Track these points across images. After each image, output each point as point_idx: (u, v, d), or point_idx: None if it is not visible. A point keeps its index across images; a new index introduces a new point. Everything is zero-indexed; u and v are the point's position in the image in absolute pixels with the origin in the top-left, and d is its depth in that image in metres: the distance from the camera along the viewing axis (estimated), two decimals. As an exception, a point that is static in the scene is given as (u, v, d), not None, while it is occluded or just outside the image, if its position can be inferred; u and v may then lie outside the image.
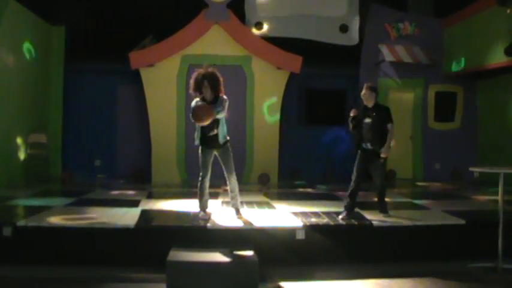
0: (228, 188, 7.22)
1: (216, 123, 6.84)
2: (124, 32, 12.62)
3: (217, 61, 11.86)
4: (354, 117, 7.36)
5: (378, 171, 7.33)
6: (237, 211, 7.22)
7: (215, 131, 6.88)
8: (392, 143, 7.26)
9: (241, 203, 7.56)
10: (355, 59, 13.27)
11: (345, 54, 13.08)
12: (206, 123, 6.69)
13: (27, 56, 11.41)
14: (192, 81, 6.92)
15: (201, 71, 6.89)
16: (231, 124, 11.19)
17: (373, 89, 7.30)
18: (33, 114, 11.83)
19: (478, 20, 12.06)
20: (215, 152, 7.02)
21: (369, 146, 7.26)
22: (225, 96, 6.94)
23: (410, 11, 13.95)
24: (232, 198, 7.21)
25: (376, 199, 7.59)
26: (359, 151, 7.38)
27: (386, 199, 7.36)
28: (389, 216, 7.30)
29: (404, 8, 14.04)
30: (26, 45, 11.36)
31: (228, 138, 7.03)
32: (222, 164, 7.09)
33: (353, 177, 7.34)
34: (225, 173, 7.09)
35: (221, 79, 6.93)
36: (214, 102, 6.81)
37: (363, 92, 7.32)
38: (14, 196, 8.93)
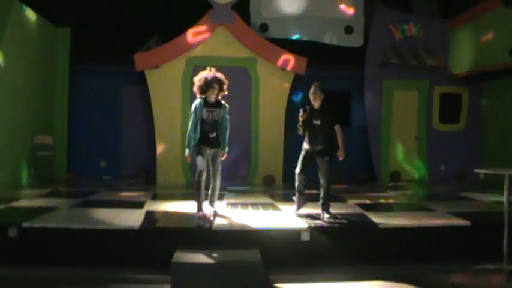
0: (211, 185, 7.49)
1: (216, 125, 7.25)
2: (129, 33, 12.66)
3: (222, 63, 11.89)
4: (303, 121, 7.29)
5: (325, 170, 7.27)
6: (212, 204, 7.54)
7: (214, 134, 7.25)
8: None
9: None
10: (360, 61, 13.26)
11: (350, 55, 13.08)
12: None
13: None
14: (200, 82, 7.10)
15: (216, 74, 7.23)
16: (235, 125, 11.27)
17: (322, 89, 7.32)
18: (38, 115, 11.86)
19: (483, 21, 12.04)
20: (209, 151, 7.30)
21: (317, 148, 7.27)
22: (224, 102, 7.38)
23: (416, 12, 13.94)
24: (212, 195, 7.53)
25: (321, 200, 7.39)
26: (304, 152, 7.42)
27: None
28: (331, 216, 7.22)
29: (410, 9, 14.03)
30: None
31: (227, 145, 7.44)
32: (210, 162, 7.36)
33: (301, 176, 7.41)
34: (211, 171, 7.39)
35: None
36: (217, 106, 7.23)
37: (313, 90, 7.32)
38: (20, 197, 8.96)
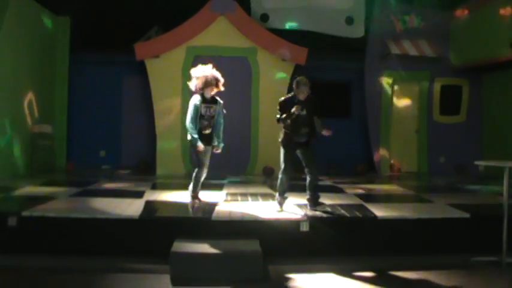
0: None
1: (212, 121, 7.43)
2: (129, 22, 12.61)
3: (223, 53, 11.86)
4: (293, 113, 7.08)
5: (312, 160, 7.26)
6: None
7: (209, 130, 7.44)
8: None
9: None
10: (361, 52, 13.23)
11: (351, 46, 13.04)
12: None
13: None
14: (200, 81, 7.31)
15: (214, 73, 7.41)
16: (235, 115, 11.29)
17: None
18: (38, 104, 11.84)
19: (484, 13, 11.99)
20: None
21: (302, 139, 7.20)
22: (218, 98, 7.57)
23: (417, 3, 13.87)
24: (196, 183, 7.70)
25: (308, 192, 7.33)
26: (287, 144, 7.23)
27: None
28: (317, 209, 7.18)
29: (411, 0, 13.96)
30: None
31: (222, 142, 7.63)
32: None
33: (288, 169, 7.25)
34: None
35: None
36: (214, 102, 7.43)
37: (303, 85, 7.11)
38: (19, 186, 8.96)
